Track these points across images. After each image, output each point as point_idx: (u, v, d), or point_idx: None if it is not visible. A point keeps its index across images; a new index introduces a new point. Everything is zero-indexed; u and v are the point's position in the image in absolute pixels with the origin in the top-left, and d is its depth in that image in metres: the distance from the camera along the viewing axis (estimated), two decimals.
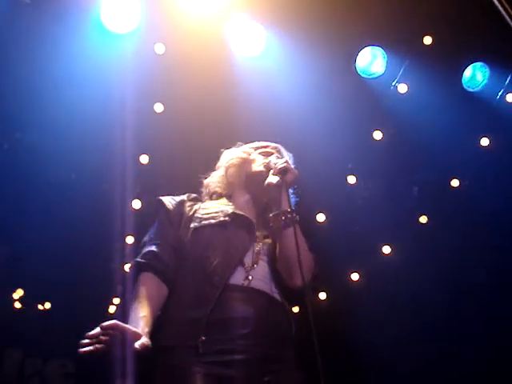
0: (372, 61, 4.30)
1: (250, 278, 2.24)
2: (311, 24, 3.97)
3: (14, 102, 4.18)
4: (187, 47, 3.79)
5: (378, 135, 4.54)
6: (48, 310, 4.89)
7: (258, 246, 2.33)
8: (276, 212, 2.30)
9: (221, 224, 2.33)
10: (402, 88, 4.35)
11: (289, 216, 2.26)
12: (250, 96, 3.94)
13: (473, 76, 4.44)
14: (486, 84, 4.43)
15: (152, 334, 2.11)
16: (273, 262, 2.32)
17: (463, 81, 4.42)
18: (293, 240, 2.16)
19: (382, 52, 4.26)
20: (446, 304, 4.75)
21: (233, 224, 2.34)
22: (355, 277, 4.80)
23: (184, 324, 2.17)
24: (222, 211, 2.39)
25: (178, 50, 3.84)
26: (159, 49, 3.96)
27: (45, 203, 4.49)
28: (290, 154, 2.61)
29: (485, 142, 4.60)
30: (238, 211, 2.39)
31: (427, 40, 4.22)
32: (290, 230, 2.22)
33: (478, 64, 4.40)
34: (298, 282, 2.20)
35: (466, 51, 4.31)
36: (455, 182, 4.78)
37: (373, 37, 4.19)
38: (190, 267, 2.26)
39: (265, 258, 2.32)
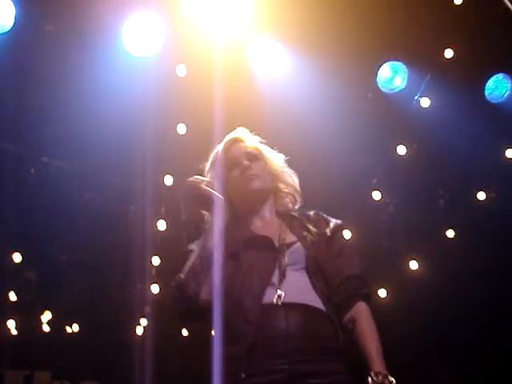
0: (393, 75, 4.29)
1: (282, 294, 2.12)
2: (331, 41, 3.98)
3: (40, 128, 4.26)
4: (209, 68, 3.82)
5: (401, 150, 4.51)
6: (76, 332, 4.92)
7: (283, 258, 2.21)
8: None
9: (235, 254, 2.23)
10: (425, 102, 4.33)
11: None
12: (273, 115, 3.95)
13: (495, 87, 4.41)
14: (508, 95, 4.40)
15: None
16: (311, 268, 2.21)
17: (486, 92, 4.39)
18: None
19: (403, 66, 4.26)
20: (476, 319, 4.68)
21: (250, 248, 2.24)
22: (382, 293, 4.75)
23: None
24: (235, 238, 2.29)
25: (199, 72, 3.88)
26: (181, 71, 4.01)
27: (71, 226, 4.54)
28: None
29: (510, 153, 4.56)
30: (254, 233, 2.30)
31: (448, 53, 4.20)
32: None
33: (500, 75, 4.37)
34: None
35: (487, 63, 4.29)
36: (481, 195, 4.73)
37: (393, 51, 4.19)
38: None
39: (295, 266, 2.21)
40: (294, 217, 2.38)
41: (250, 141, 2.44)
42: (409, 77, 4.26)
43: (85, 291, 4.80)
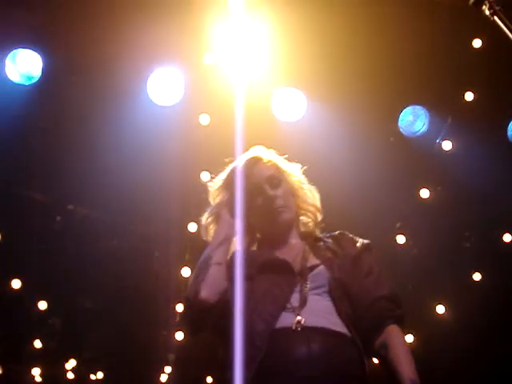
0: (415, 119, 4.32)
1: (302, 320, 2.00)
2: (352, 86, 4.03)
3: (65, 176, 4.34)
4: (231, 116, 3.88)
5: (425, 193, 4.50)
6: (100, 379, 4.89)
7: (305, 283, 2.10)
8: None
9: (250, 277, 2.12)
10: (447, 145, 4.34)
11: None
12: (295, 161, 3.98)
13: None
14: None
15: None
16: (335, 291, 2.09)
17: (508, 134, 4.38)
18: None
19: (423, 110, 4.28)
20: (505, 363, 4.57)
21: (267, 272, 2.14)
22: (409, 339, 4.67)
23: None
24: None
25: (222, 120, 3.94)
26: (204, 119, 4.08)
27: (96, 273, 4.56)
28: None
29: None
30: (272, 256, 2.20)
31: (469, 96, 4.23)
32: None
33: None
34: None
35: (508, 104, 4.30)
36: (507, 237, 4.67)
37: (414, 95, 4.23)
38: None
39: (318, 290, 2.10)
40: (319, 238, 2.29)
41: (270, 160, 2.34)
42: (430, 120, 4.28)
43: (109, 338, 4.79)
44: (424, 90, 4.17)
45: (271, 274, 2.13)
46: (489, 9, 2.04)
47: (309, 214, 2.31)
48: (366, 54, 3.90)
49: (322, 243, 2.26)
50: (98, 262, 4.57)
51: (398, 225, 4.62)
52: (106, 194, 4.33)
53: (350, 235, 2.28)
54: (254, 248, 2.31)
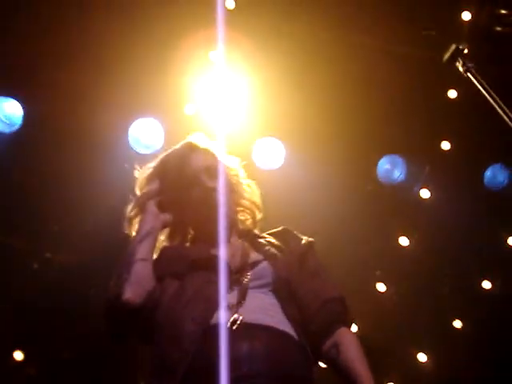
0: (392, 168, 4.38)
1: (240, 317, 1.79)
2: (330, 136, 4.10)
3: (43, 223, 4.30)
4: None
5: (404, 241, 4.53)
6: None
7: (245, 279, 1.91)
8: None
9: (179, 275, 1.95)
10: (425, 193, 4.39)
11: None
12: (275, 211, 3.98)
13: (494, 176, 4.47)
14: (508, 183, 4.46)
15: None
16: (281, 291, 1.91)
17: (485, 181, 4.44)
18: None
19: (401, 159, 4.34)
20: None
21: (198, 270, 1.93)
22: None
23: None
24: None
25: None
26: None
27: (73, 323, 4.48)
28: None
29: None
30: (205, 254, 1.99)
31: (445, 145, 4.30)
32: None
33: (498, 165, 4.44)
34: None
35: (485, 153, 4.38)
36: (487, 284, 4.69)
37: (391, 145, 4.29)
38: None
39: (262, 288, 1.90)
40: (258, 235, 2.11)
41: (207, 149, 2.14)
42: (407, 169, 4.34)
43: None
44: (401, 139, 4.25)
45: (204, 271, 1.91)
46: (462, 66, 2.11)
47: (247, 210, 2.15)
48: (344, 105, 3.97)
49: (262, 239, 2.09)
50: (74, 312, 4.49)
51: (377, 272, 4.63)
52: (84, 242, 4.30)
53: (294, 232, 2.13)
54: (187, 245, 2.12)
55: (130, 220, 2.10)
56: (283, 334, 1.82)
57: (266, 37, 3.81)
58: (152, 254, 1.97)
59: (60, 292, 4.53)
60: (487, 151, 4.36)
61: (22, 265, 4.51)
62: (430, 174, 4.34)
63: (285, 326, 1.84)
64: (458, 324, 4.69)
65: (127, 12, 3.67)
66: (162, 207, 2.05)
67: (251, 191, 2.19)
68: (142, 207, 2.06)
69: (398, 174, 4.36)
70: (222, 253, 1.94)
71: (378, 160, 4.33)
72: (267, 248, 2.02)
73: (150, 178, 2.12)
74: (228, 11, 3.72)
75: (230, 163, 2.19)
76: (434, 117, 4.19)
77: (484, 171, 4.43)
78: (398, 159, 4.33)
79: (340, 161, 4.19)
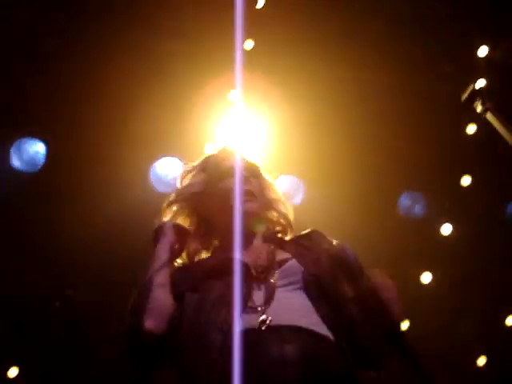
0: (413, 204, 4.37)
1: (269, 318, 1.68)
2: (350, 173, 4.11)
3: (64, 259, 4.33)
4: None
5: (426, 278, 4.49)
6: None
7: (272, 278, 1.79)
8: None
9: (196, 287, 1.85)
10: (446, 229, 4.36)
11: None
12: None
13: None
14: None
15: None
16: (313, 289, 1.78)
17: (507, 217, 4.42)
18: None
19: (421, 196, 4.34)
20: None
21: (218, 276, 1.83)
22: None
23: None
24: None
25: None
26: None
27: (101, 360, 4.47)
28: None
29: None
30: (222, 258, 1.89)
31: (466, 181, 4.30)
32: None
33: None
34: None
35: (506, 188, 4.36)
36: (510, 320, 4.62)
37: (412, 181, 4.29)
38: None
39: (290, 286, 1.79)
40: (285, 239, 2.02)
41: (252, 163, 2.09)
42: (428, 205, 4.33)
43: None
44: (422, 175, 4.24)
45: (224, 276, 1.80)
46: (481, 106, 2.12)
47: (279, 228, 2.06)
48: (364, 141, 3.99)
49: (289, 240, 2.01)
50: (100, 349, 4.48)
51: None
52: (104, 281, 4.31)
53: (324, 233, 2.01)
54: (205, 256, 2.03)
55: (165, 211, 2.05)
56: (317, 336, 1.68)
57: (284, 76, 3.86)
58: (168, 278, 1.89)
59: (83, 331, 4.54)
60: (509, 185, 4.34)
61: (44, 303, 4.54)
62: (450, 210, 4.32)
63: (318, 327, 1.71)
64: (481, 361, 4.61)
65: (152, 54, 3.75)
66: (191, 212, 2.02)
67: (286, 209, 2.11)
68: (181, 200, 2.03)
69: (419, 209, 4.35)
70: (237, 251, 1.84)
71: (400, 196, 4.33)
72: (295, 247, 1.93)
73: (194, 171, 2.10)
74: (246, 52, 3.79)
75: (271, 181, 2.15)
76: (454, 152, 4.19)
77: (506, 206, 4.41)
78: (419, 195, 4.33)
79: (359, 198, 4.19)
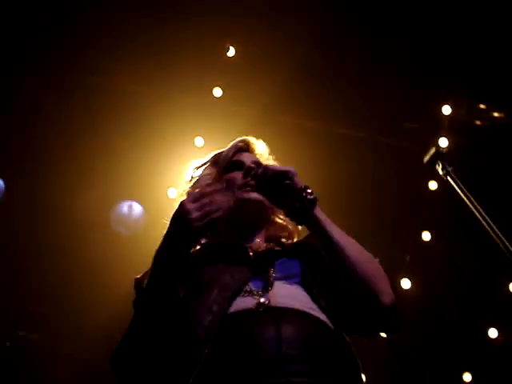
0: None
1: (267, 301, 1.61)
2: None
3: (16, 302, 4.23)
4: None
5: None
6: None
7: (271, 269, 1.73)
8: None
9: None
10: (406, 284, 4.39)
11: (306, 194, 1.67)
12: None
13: None
14: None
15: None
16: (308, 282, 1.70)
17: None
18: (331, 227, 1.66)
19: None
20: None
21: (211, 261, 1.76)
22: None
23: None
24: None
25: None
26: None
27: None
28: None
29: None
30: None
31: (426, 236, 4.35)
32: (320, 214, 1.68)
33: None
34: (383, 300, 1.63)
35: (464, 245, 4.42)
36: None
37: (373, 235, 4.31)
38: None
39: (289, 280, 1.71)
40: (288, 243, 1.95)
41: (264, 153, 2.05)
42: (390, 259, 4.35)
43: None
44: (383, 229, 4.27)
45: (217, 261, 1.74)
46: (442, 169, 2.16)
47: (285, 233, 1.97)
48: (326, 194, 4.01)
49: (292, 243, 1.93)
50: None
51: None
52: (59, 323, 4.22)
53: None
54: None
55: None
56: (316, 320, 1.62)
57: (248, 123, 3.88)
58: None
59: (34, 374, 4.41)
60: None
61: None
62: (410, 264, 4.35)
63: (317, 313, 1.64)
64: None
65: (113, 96, 3.75)
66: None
67: None
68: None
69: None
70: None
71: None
72: (294, 243, 1.90)
73: (203, 165, 2.05)
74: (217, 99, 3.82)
75: None
76: (415, 207, 4.25)
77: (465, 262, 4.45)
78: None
79: None
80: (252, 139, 2.06)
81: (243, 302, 1.62)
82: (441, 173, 2.17)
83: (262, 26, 3.91)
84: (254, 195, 1.85)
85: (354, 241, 1.72)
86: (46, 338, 4.40)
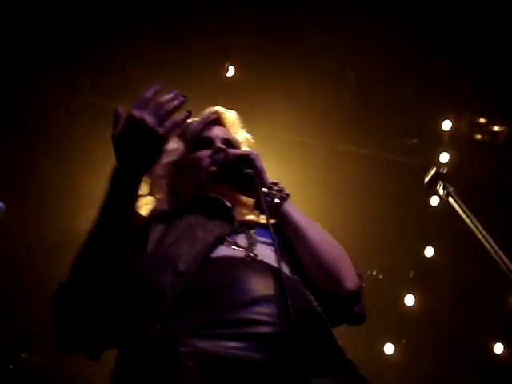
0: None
1: (252, 253, 1.53)
2: None
3: (18, 324, 4.22)
4: None
5: (389, 349, 4.45)
6: None
7: (252, 232, 1.64)
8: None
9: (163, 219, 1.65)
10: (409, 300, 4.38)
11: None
12: None
13: None
14: None
15: None
16: (284, 253, 1.62)
17: None
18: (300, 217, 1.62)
19: None
20: None
21: (190, 211, 1.66)
22: None
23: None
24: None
25: None
26: None
27: None
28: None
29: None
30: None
31: (429, 251, 4.34)
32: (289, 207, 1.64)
33: None
34: (346, 284, 1.57)
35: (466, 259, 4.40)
36: None
37: (375, 251, 4.31)
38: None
39: (268, 245, 1.60)
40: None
41: (236, 125, 1.90)
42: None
43: None
44: (385, 245, 4.27)
45: (196, 215, 1.63)
46: (443, 189, 2.15)
47: (255, 215, 1.78)
48: (330, 211, 4.01)
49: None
50: None
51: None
52: None
53: None
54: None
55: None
56: (303, 287, 1.53)
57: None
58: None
59: None
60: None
61: None
62: (414, 280, 4.34)
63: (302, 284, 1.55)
64: None
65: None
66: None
67: None
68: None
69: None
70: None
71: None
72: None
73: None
74: None
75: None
76: (417, 223, 4.24)
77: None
78: None
79: None
80: (223, 110, 1.90)
81: (228, 250, 1.53)
82: (442, 193, 2.16)
83: (261, 44, 3.92)
84: (215, 187, 1.72)
85: (319, 226, 1.67)
86: (48, 360, 4.39)
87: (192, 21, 3.77)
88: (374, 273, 4.35)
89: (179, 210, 1.68)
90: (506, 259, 1.91)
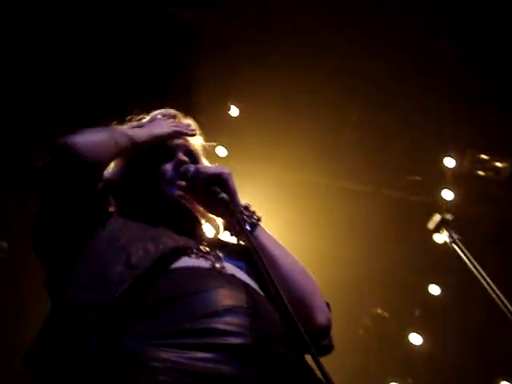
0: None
1: (220, 266, 1.47)
2: (321, 275, 4.08)
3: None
4: None
5: None
6: None
7: (217, 249, 1.56)
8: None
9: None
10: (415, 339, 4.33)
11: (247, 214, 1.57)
12: None
13: None
14: None
15: None
16: (253, 273, 1.55)
17: None
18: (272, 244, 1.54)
19: None
20: None
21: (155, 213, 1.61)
22: None
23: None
24: None
25: None
26: None
27: None
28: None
29: None
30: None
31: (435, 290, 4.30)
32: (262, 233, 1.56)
33: None
34: (318, 319, 1.50)
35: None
36: None
37: (381, 290, 4.28)
38: None
39: (235, 264, 1.55)
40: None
41: (196, 131, 1.80)
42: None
43: None
44: (391, 281, 4.25)
45: (156, 215, 1.58)
46: (448, 237, 2.15)
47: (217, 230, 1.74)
48: (333, 251, 4.01)
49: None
50: None
51: None
52: None
53: None
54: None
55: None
56: (264, 298, 1.47)
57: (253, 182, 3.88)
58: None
59: None
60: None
61: None
62: (420, 318, 4.31)
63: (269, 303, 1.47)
64: None
65: None
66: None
67: None
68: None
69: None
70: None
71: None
72: (239, 245, 1.64)
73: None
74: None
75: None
76: (422, 261, 4.22)
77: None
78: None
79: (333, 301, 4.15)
80: (179, 113, 1.83)
81: (192, 261, 1.46)
82: (447, 240, 2.16)
83: (263, 84, 3.95)
84: (181, 194, 1.64)
85: (290, 253, 1.59)
86: None
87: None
88: (380, 311, 4.31)
89: (149, 204, 1.62)
90: (510, 306, 1.90)
